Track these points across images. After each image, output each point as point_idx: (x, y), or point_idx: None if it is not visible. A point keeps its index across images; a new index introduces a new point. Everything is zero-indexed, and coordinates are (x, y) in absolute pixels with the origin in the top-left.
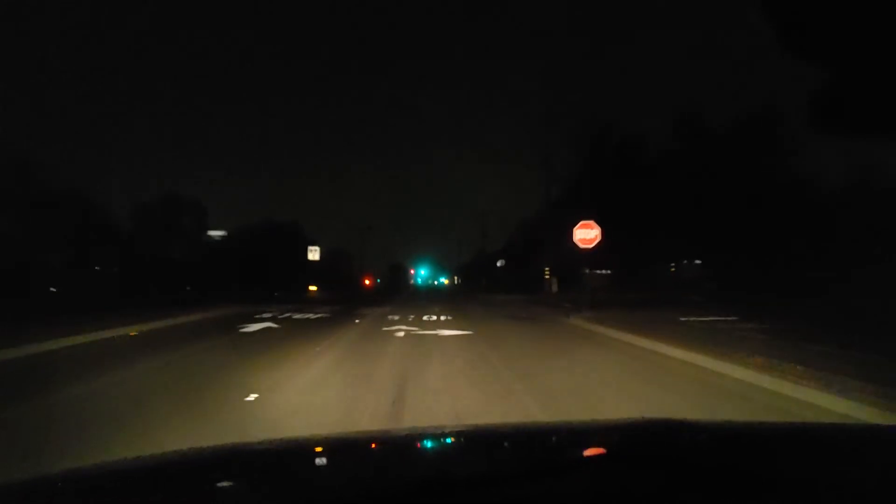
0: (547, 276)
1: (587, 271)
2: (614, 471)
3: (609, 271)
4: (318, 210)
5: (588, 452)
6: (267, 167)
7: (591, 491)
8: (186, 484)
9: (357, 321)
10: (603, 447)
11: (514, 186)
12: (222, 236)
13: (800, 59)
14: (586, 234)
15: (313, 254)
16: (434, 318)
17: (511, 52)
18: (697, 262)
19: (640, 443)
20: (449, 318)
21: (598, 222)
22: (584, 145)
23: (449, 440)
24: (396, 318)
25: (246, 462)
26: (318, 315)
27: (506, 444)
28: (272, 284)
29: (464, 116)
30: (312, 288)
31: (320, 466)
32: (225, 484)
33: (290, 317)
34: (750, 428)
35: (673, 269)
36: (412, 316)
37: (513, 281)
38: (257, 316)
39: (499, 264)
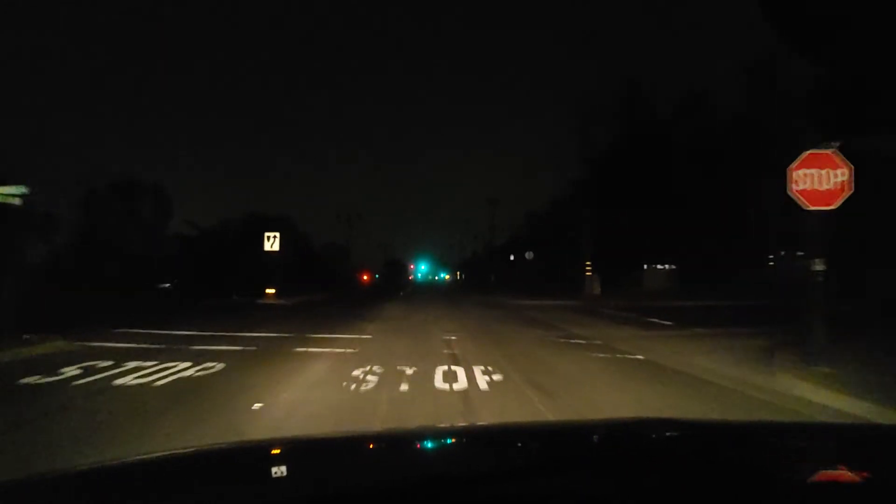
0: (589, 273)
1: (645, 267)
2: (612, 468)
3: (672, 266)
4: (318, 208)
5: (586, 450)
6: (261, 163)
7: (589, 488)
8: (190, 482)
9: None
10: (601, 445)
11: (516, 182)
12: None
13: (801, 58)
14: (823, 180)
15: (271, 243)
16: (462, 382)
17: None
18: (800, 253)
19: (638, 440)
20: (496, 376)
21: (646, 203)
22: (624, 111)
23: (449, 439)
24: (371, 384)
25: (243, 460)
26: (195, 369)
27: (504, 442)
28: (237, 284)
29: (468, 108)
30: (269, 291)
31: (318, 465)
32: (221, 482)
33: (108, 381)
34: (748, 427)
35: (772, 264)
36: (410, 370)
37: (528, 277)
38: (25, 381)
39: (528, 256)
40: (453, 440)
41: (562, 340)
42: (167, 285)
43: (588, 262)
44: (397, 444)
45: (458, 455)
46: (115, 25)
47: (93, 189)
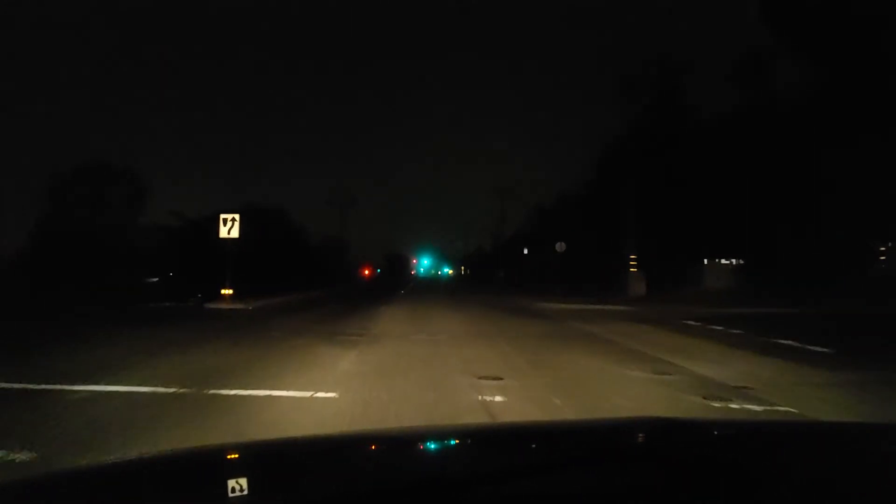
0: (633, 270)
1: (706, 261)
2: (613, 469)
3: (739, 261)
4: (318, 203)
5: (587, 450)
6: (260, 155)
7: (590, 488)
8: (178, 483)
9: None
10: (602, 445)
11: (523, 174)
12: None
13: (797, 58)
14: None
15: (228, 228)
16: None
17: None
18: None
19: (640, 441)
20: None
21: (698, 183)
22: (667, 74)
23: (449, 439)
24: None
25: (241, 461)
26: None
27: (504, 442)
28: (206, 281)
29: (471, 98)
30: (225, 291)
31: (318, 465)
32: (218, 483)
33: None
34: (750, 426)
35: (883, 258)
36: None
37: (544, 273)
38: None
39: (559, 248)
40: (454, 441)
41: (715, 405)
42: (156, 279)
43: (633, 256)
44: (397, 443)
45: (457, 455)
46: (109, 15)
47: (57, 173)
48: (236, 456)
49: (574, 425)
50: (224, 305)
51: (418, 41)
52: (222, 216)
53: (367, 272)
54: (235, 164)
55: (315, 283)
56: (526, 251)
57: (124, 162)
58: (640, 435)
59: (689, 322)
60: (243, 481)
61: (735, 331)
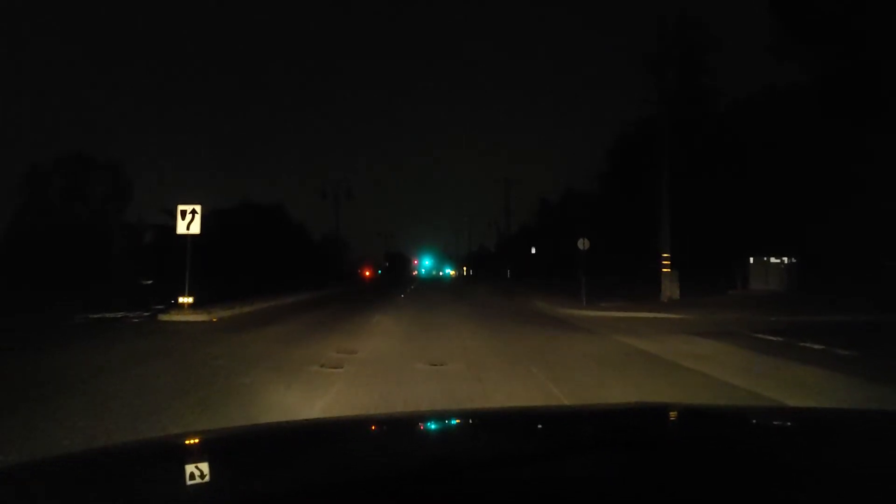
0: (666, 270)
1: (752, 260)
2: (611, 454)
3: (790, 259)
4: (317, 203)
5: (585, 435)
6: (260, 153)
7: (589, 473)
8: (186, 466)
9: None
10: (600, 430)
11: (524, 172)
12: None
13: (801, 47)
14: None
15: (187, 223)
16: None
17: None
18: None
19: (638, 426)
20: None
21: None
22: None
23: (451, 421)
24: None
25: (248, 445)
26: None
27: (504, 426)
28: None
29: (473, 93)
30: (184, 300)
31: (325, 448)
32: (227, 467)
33: None
34: (749, 412)
35: None
36: None
37: (553, 272)
38: None
39: (581, 246)
40: (454, 423)
41: None
42: (150, 282)
43: (665, 255)
44: (398, 426)
45: (458, 439)
46: (105, 13)
47: (35, 165)
48: (234, 440)
49: (574, 410)
50: (179, 317)
51: (420, 36)
52: (180, 208)
53: (367, 272)
54: (236, 162)
55: (312, 283)
56: (534, 250)
57: (110, 156)
58: (639, 419)
59: (765, 336)
60: (241, 465)
61: (842, 351)
